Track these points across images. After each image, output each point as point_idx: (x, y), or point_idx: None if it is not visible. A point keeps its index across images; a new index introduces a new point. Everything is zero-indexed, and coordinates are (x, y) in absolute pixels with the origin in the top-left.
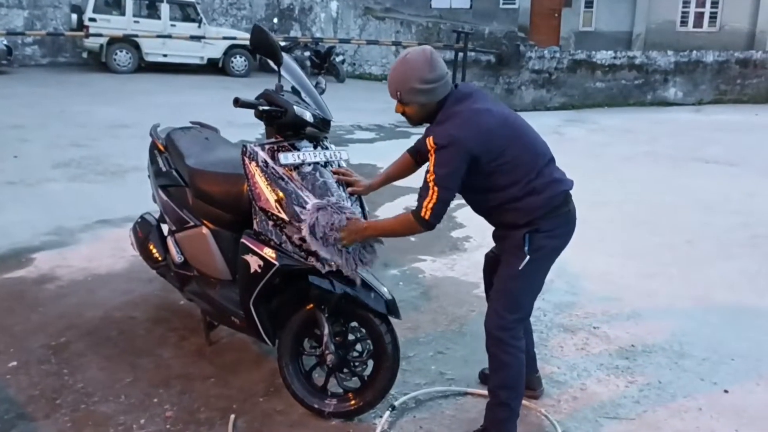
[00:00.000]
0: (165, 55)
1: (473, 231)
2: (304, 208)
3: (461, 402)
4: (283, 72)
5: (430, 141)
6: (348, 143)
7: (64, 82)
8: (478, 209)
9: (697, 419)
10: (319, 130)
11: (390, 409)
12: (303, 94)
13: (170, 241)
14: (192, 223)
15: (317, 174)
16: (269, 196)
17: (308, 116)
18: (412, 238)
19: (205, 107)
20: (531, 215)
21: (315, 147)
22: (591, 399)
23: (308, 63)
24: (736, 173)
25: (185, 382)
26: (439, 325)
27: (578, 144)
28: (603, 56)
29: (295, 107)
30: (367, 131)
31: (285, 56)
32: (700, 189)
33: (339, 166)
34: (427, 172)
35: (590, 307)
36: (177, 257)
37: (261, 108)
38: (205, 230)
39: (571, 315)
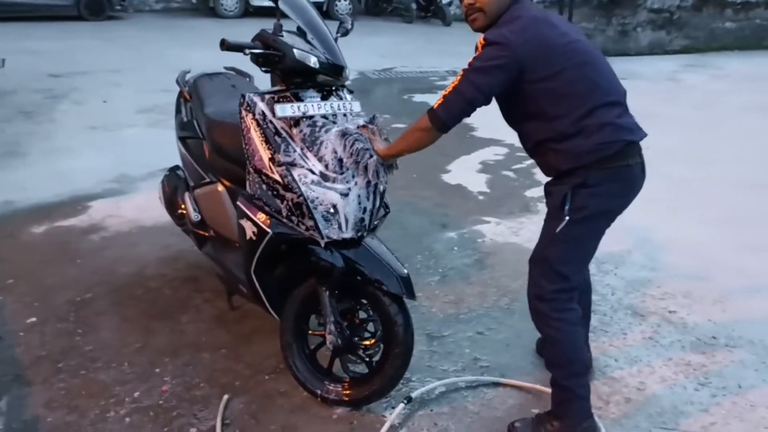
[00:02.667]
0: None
1: None
2: (296, 167)
3: (490, 396)
4: (283, 6)
5: (481, 38)
6: (437, 90)
7: (171, 27)
8: (524, 146)
9: None
10: (329, 78)
11: (405, 401)
12: (309, 35)
13: (187, 198)
14: (208, 180)
15: (323, 130)
16: (263, 153)
17: (312, 61)
18: (480, 197)
19: None
20: (575, 161)
21: (326, 98)
22: (649, 403)
23: (414, 5)
24: None
25: (194, 352)
26: (486, 300)
27: (695, 92)
28: None
29: (295, 51)
30: None
31: None
32: None
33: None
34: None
35: (670, 286)
36: (194, 215)
37: (248, 51)
38: (220, 187)
39: (644, 295)
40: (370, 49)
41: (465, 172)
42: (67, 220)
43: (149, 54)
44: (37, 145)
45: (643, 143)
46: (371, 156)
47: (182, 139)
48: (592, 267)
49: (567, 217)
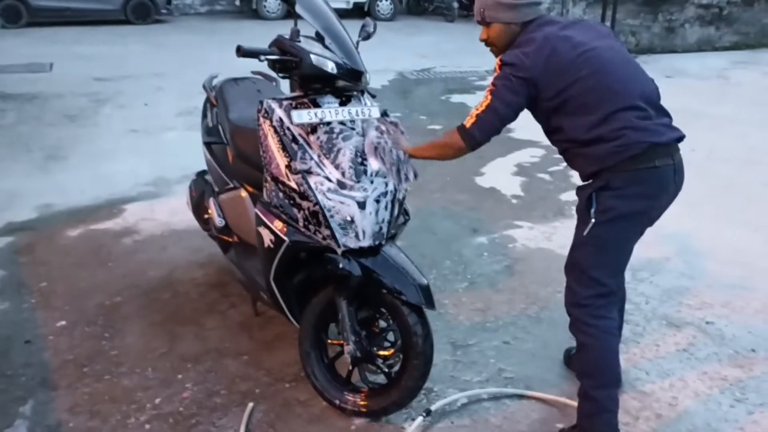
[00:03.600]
0: None
1: None
2: (312, 174)
3: (513, 409)
4: (300, 10)
5: (498, 59)
6: (476, 90)
7: (215, 30)
8: (559, 152)
9: None
10: (348, 83)
11: (424, 413)
12: (327, 40)
13: (212, 203)
14: (232, 185)
15: (340, 137)
16: (280, 161)
17: (330, 66)
18: (513, 200)
19: None
20: (598, 164)
21: (345, 103)
22: (681, 419)
23: (455, 4)
24: None
25: (217, 358)
26: (515, 308)
27: (745, 90)
28: None
29: (312, 56)
30: None
31: None
32: None
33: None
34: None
35: (708, 296)
36: (218, 221)
37: (264, 57)
38: (244, 193)
39: (680, 305)
40: (409, 49)
41: (500, 174)
42: (102, 223)
43: (192, 57)
44: (80, 149)
45: (687, 144)
46: (407, 159)
47: (208, 145)
48: (627, 274)
49: (593, 220)
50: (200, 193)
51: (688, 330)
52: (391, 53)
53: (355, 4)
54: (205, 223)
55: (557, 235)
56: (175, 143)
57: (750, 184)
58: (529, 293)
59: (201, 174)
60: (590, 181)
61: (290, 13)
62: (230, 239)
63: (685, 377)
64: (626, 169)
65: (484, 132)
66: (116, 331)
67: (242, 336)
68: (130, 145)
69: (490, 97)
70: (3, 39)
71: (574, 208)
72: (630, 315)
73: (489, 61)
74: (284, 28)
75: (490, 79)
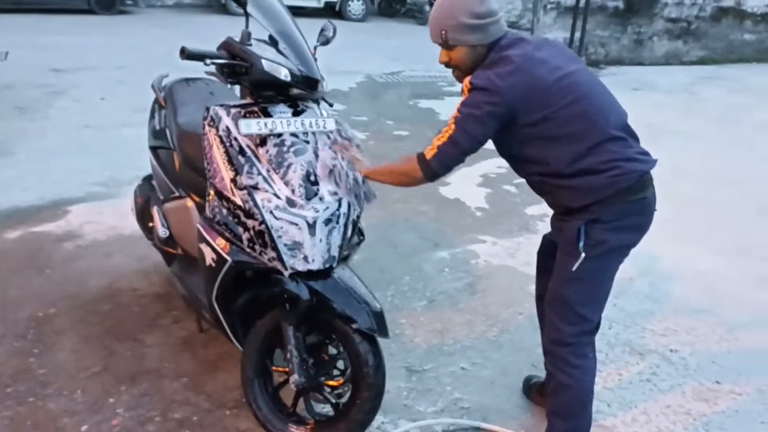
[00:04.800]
0: None
1: None
2: (260, 191)
3: None
4: (252, 11)
5: (467, 81)
6: (445, 96)
7: (182, 24)
8: (529, 183)
9: None
10: (304, 91)
11: None
12: (282, 44)
13: (156, 212)
14: (177, 194)
15: (291, 151)
16: (225, 174)
17: (283, 73)
18: (477, 213)
19: None
20: (589, 197)
21: (298, 113)
22: None
23: (427, 7)
24: None
25: (154, 380)
26: (474, 330)
27: (711, 106)
28: (755, 3)
29: (263, 61)
30: None
31: None
32: None
33: (326, 136)
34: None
35: (673, 321)
36: (161, 231)
37: (210, 61)
38: (190, 203)
39: (644, 330)
40: (380, 51)
41: (465, 185)
42: (43, 225)
43: (156, 51)
44: (28, 144)
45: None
46: (364, 181)
47: (153, 149)
48: None
49: (583, 254)
50: (145, 199)
51: (651, 358)
52: (361, 55)
53: (326, 3)
54: (149, 232)
55: (521, 252)
56: (130, 141)
57: (715, 204)
58: (490, 314)
59: (148, 179)
60: (574, 214)
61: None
62: (174, 251)
63: (648, 410)
64: (619, 201)
65: (443, 165)
66: (46, 346)
67: (184, 355)
68: (83, 141)
69: (453, 127)
70: None
71: (540, 223)
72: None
73: None
74: (254, 25)
75: (459, 86)
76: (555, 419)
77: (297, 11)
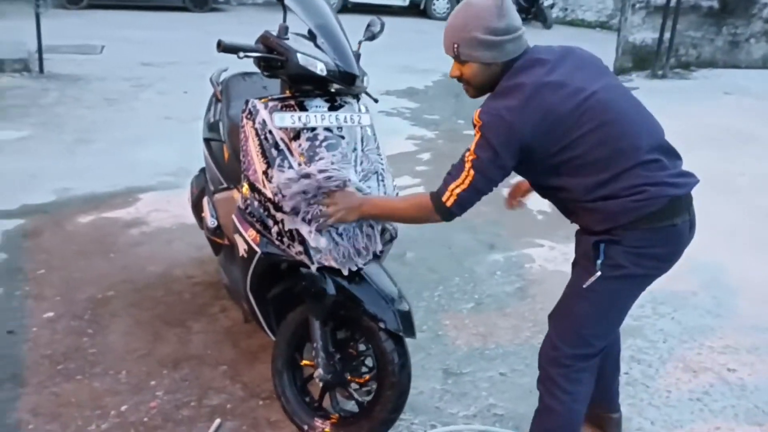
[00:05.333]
0: None
1: None
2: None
3: None
4: (290, 4)
5: (476, 115)
6: None
7: (269, 21)
8: (551, 203)
9: None
10: (341, 86)
11: None
12: (320, 39)
13: (206, 203)
14: (226, 185)
15: (323, 146)
16: (258, 166)
17: (319, 68)
18: (539, 216)
19: (392, 52)
20: (611, 222)
21: (335, 108)
22: None
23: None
24: None
25: (195, 366)
26: (519, 336)
27: None
28: None
29: (299, 55)
30: None
31: None
32: None
33: (361, 132)
34: (467, 150)
35: (734, 339)
36: (210, 221)
37: (244, 54)
38: (237, 195)
39: (702, 346)
40: None
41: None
42: (114, 211)
43: None
44: (110, 133)
45: (736, 168)
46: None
47: (207, 141)
48: (647, 308)
49: (599, 272)
50: (200, 190)
51: (706, 376)
52: (441, 54)
53: (411, 1)
54: (202, 221)
55: None
56: None
57: None
58: (538, 320)
59: (203, 170)
60: (597, 234)
61: (345, 7)
62: (222, 241)
63: (696, 431)
64: (642, 227)
65: (464, 209)
66: (100, 327)
67: (226, 343)
68: (162, 132)
69: (472, 172)
70: (62, 19)
71: None
72: (644, 354)
73: None
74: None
75: None
76: None
77: (383, 10)
